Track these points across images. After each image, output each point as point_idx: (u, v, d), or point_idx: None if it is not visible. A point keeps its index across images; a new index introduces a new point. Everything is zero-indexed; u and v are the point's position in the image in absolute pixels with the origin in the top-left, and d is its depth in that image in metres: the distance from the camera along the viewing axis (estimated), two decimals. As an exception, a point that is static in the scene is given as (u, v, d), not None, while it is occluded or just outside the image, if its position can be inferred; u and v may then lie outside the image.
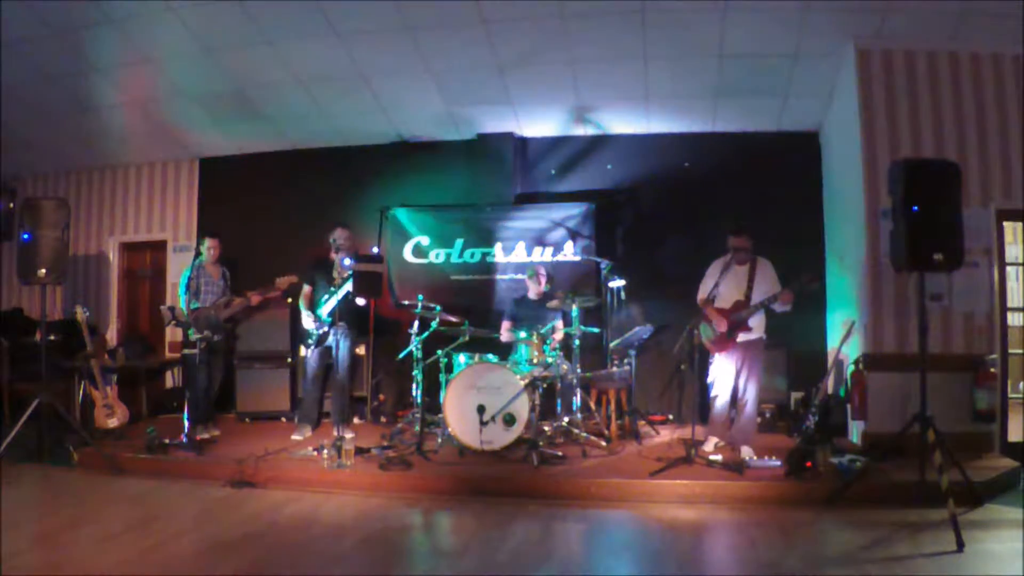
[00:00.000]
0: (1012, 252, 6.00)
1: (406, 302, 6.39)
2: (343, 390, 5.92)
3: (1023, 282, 6.76)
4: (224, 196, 7.92)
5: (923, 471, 4.09)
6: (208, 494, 4.56)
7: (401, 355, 6.19)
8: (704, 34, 5.62)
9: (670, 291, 6.43)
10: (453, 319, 5.80)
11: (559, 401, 5.69)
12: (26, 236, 5.32)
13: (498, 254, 7.12)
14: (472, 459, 5.10)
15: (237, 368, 6.84)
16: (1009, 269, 5.65)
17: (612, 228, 7.11)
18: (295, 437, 5.78)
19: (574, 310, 5.64)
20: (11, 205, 8.25)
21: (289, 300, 6.79)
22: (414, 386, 5.92)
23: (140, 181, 8.25)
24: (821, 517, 4.06)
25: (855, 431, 5.61)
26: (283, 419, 6.73)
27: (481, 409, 5.11)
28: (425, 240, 7.25)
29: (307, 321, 5.86)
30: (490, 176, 7.23)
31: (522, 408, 5.14)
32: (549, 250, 7.03)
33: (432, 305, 5.73)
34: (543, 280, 6.26)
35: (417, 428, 5.47)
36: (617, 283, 6.45)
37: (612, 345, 6.20)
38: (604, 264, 6.44)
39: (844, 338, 5.35)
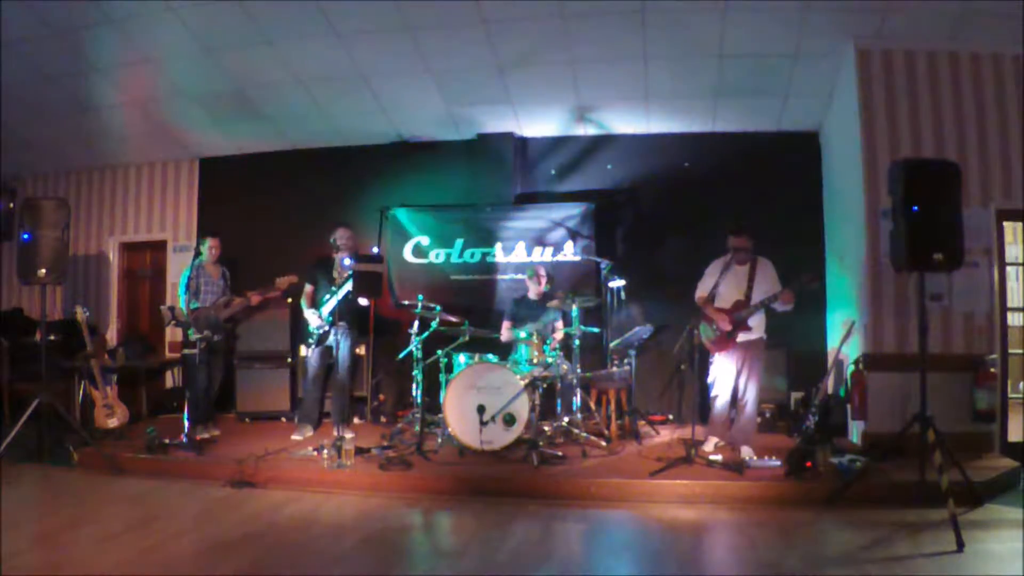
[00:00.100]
0: (1012, 252, 6.00)
1: (406, 302, 6.40)
2: (343, 390, 5.92)
3: (1023, 282, 6.75)
4: (224, 196, 7.92)
5: (923, 471, 4.09)
6: (208, 494, 4.56)
7: (401, 355, 6.19)
8: (704, 34, 5.62)
9: (670, 291, 6.42)
10: (453, 319, 5.80)
11: (559, 401, 5.69)
12: (26, 236, 5.32)
13: (498, 254, 7.12)
14: (472, 459, 5.10)
15: (237, 368, 6.83)
16: (1009, 269, 5.65)
17: (612, 228, 7.11)
18: (295, 437, 5.78)
19: (574, 310, 5.64)
20: (11, 205, 8.24)
21: (289, 300, 6.80)
22: (414, 386, 5.93)
23: (140, 181, 8.25)
24: (821, 517, 4.06)
25: (855, 431, 5.61)
26: (283, 419, 6.73)
27: (481, 409, 5.11)
28: (425, 240, 7.25)
29: (312, 319, 5.86)
30: (490, 176, 7.24)
31: (522, 408, 5.14)
32: (549, 250, 7.03)
33: (432, 305, 5.73)
34: (543, 280, 6.26)
35: (417, 428, 5.47)
36: (617, 283, 6.45)
37: (612, 345, 6.20)
38: (604, 264, 6.44)
39: (844, 338, 5.36)
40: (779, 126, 6.82)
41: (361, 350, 6.80)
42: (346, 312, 5.85)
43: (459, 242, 7.18)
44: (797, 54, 5.78)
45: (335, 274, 5.92)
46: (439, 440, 5.41)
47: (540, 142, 7.40)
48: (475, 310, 6.72)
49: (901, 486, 4.30)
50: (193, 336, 5.45)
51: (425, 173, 7.46)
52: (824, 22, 5.38)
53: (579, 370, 5.79)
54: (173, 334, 7.68)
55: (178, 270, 7.26)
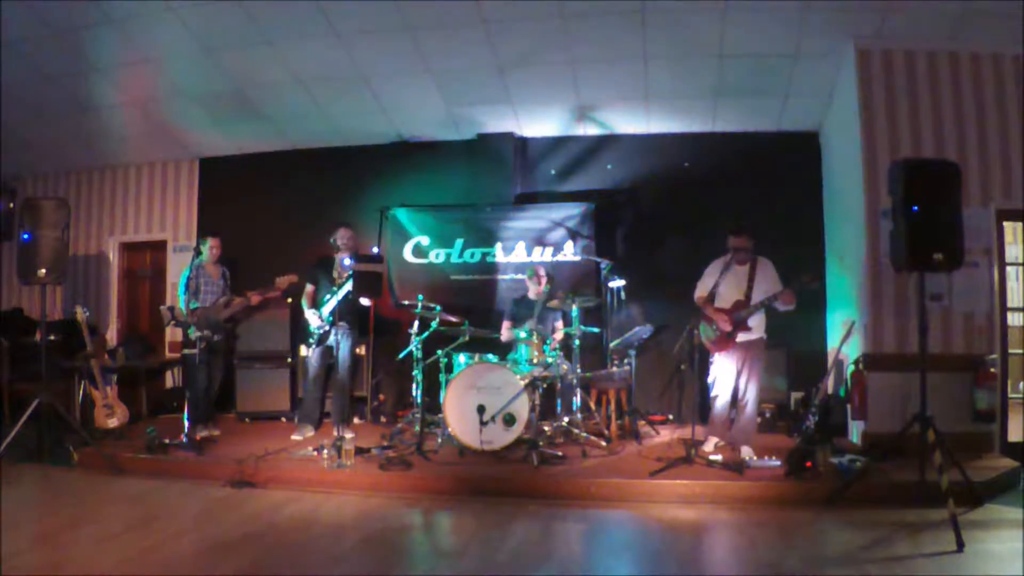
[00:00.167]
0: (1012, 252, 6.00)
1: (406, 302, 6.39)
2: (344, 390, 5.92)
3: (1023, 282, 6.75)
4: (224, 196, 7.92)
5: (923, 471, 4.09)
6: (208, 494, 4.56)
7: (401, 355, 6.19)
8: (704, 34, 5.62)
9: (670, 291, 6.42)
10: (453, 319, 5.80)
11: (559, 401, 5.69)
12: (26, 236, 5.32)
13: (498, 254, 7.12)
14: (472, 459, 5.10)
15: (237, 368, 6.83)
16: (1009, 269, 5.65)
17: (612, 228, 7.11)
18: (295, 437, 5.78)
19: (574, 310, 5.64)
20: (11, 205, 8.25)
21: (289, 300, 6.80)
22: (414, 386, 5.93)
23: (140, 181, 8.25)
24: (821, 517, 4.06)
25: (855, 431, 5.61)
26: (283, 419, 6.73)
27: (481, 409, 5.11)
28: (425, 240, 7.25)
29: (312, 319, 5.86)
30: (490, 176, 7.23)
31: (522, 408, 5.14)
32: (549, 250, 7.03)
33: (432, 305, 5.73)
34: (543, 280, 6.26)
35: (417, 428, 5.47)
36: (617, 283, 6.45)
37: (612, 345, 6.20)
38: (604, 264, 6.44)
39: (844, 338, 5.36)
40: (779, 126, 6.82)
41: (361, 350, 6.80)
42: (347, 312, 5.85)
43: (459, 242, 7.18)
44: (797, 54, 5.78)
45: (335, 274, 5.92)
46: (439, 440, 5.42)
47: (540, 142, 7.40)
48: (475, 310, 6.72)
49: (901, 486, 4.30)
50: (193, 336, 5.45)
51: (425, 173, 7.46)
52: (824, 22, 5.38)
53: (579, 370, 5.79)
54: (173, 334, 7.67)
55: (178, 270, 7.26)
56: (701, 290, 5.20)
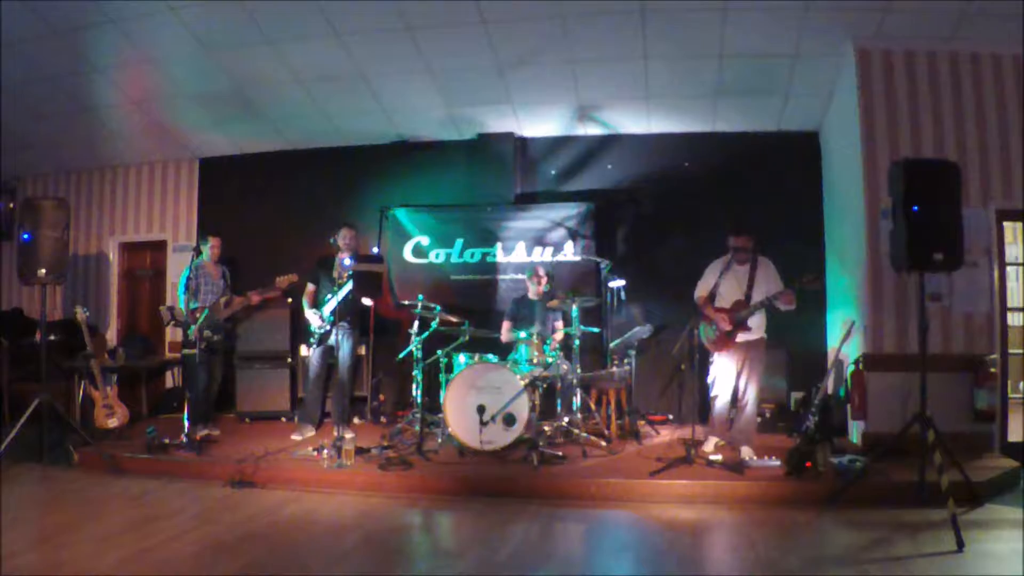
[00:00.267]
0: (1012, 252, 6.01)
1: (406, 302, 6.39)
2: (344, 390, 5.92)
3: (1023, 282, 6.75)
4: (224, 196, 7.92)
5: (923, 471, 4.08)
6: (208, 494, 4.56)
7: (401, 355, 6.19)
8: (704, 34, 5.61)
9: (670, 291, 6.43)
10: (453, 319, 5.80)
11: (559, 401, 5.69)
12: (26, 236, 5.33)
13: (498, 254, 7.12)
14: (472, 459, 5.10)
15: (237, 368, 6.83)
16: (1009, 269, 5.65)
17: (612, 228, 7.11)
18: (295, 437, 5.78)
19: (574, 310, 5.64)
20: (11, 205, 8.26)
21: (290, 300, 6.80)
22: (414, 386, 5.93)
23: (140, 181, 8.25)
24: (821, 517, 4.06)
25: (855, 431, 5.61)
26: (283, 419, 6.72)
27: (481, 409, 5.11)
28: (425, 240, 7.25)
29: (313, 319, 5.86)
30: (490, 176, 7.24)
31: (522, 408, 5.13)
32: (549, 250, 7.04)
33: (432, 305, 5.73)
34: (543, 280, 6.26)
35: (417, 428, 5.46)
36: (617, 283, 6.45)
37: (612, 345, 6.20)
38: (604, 264, 6.44)
39: (844, 338, 5.35)
40: (779, 126, 6.83)
41: (361, 350, 6.80)
42: (348, 312, 5.85)
43: (459, 242, 7.18)
44: (797, 54, 5.78)
45: (334, 274, 5.92)
46: (439, 440, 5.42)
47: (540, 142, 7.40)
48: (475, 310, 6.73)
49: (901, 486, 4.30)
50: (193, 336, 5.45)
51: (425, 173, 7.46)
52: (824, 22, 5.38)
53: (579, 370, 5.79)
54: (173, 334, 7.67)
55: (178, 270, 7.25)
56: (701, 290, 5.20)
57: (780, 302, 4.87)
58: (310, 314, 5.89)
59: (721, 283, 5.05)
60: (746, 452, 4.96)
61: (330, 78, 6.51)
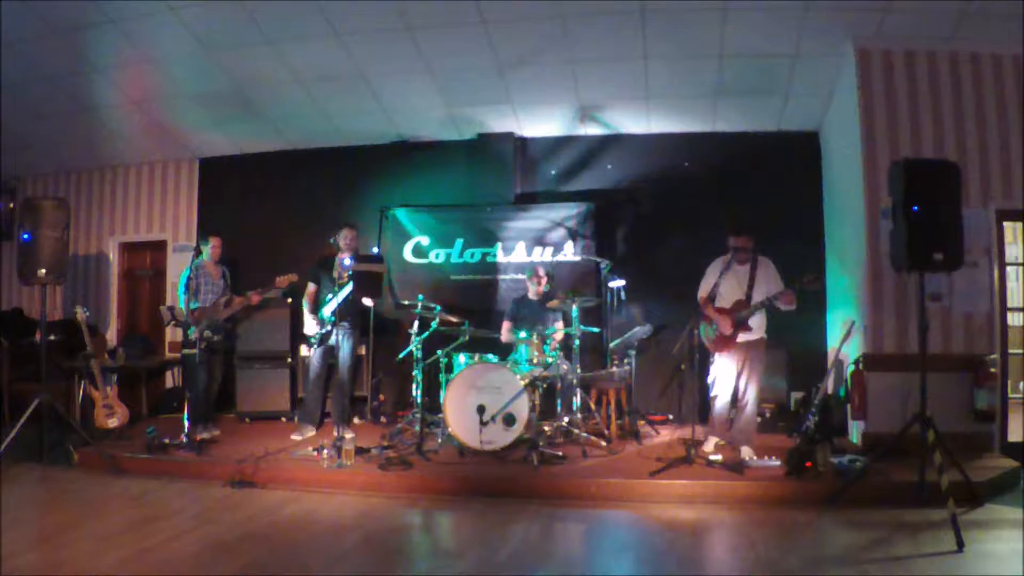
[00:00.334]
0: (1012, 252, 6.01)
1: (406, 302, 6.39)
2: (345, 390, 5.92)
3: (1023, 282, 6.76)
4: (224, 196, 7.92)
5: (923, 471, 4.08)
6: (208, 494, 4.56)
7: (401, 355, 6.19)
8: (704, 34, 5.61)
9: (670, 291, 6.43)
10: (453, 319, 5.80)
11: (559, 401, 5.68)
12: (26, 236, 5.33)
13: (498, 254, 7.12)
14: (472, 459, 5.10)
15: (237, 368, 6.83)
16: (1009, 269, 5.65)
17: (612, 228, 7.12)
18: (295, 437, 5.78)
19: (574, 310, 5.64)
20: (11, 205, 8.25)
21: (289, 300, 6.80)
22: (414, 386, 5.93)
23: (140, 181, 8.25)
24: (821, 517, 4.06)
25: (855, 431, 5.61)
26: (283, 419, 6.72)
27: (481, 409, 5.11)
28: (425, 240, 7.25)
29: (309, 325, 5.87)
30: (490, 176, 7.24)
31: (522, 408, 5.13)
32: (549, 250, 7.04)
33: (432, 305, 5.73)
34: (543, 280, 6.26)
35: (417, 428, 5.46)
36: (617, 283, 6.45)
37: (612, 345, 6.20)
38: (604, 264, 6.44)
39: (844, 338, 5.35)
40: (779, 126, 6.83)
41: (361, 350, 6.80)
42: (348, 312, 5.85)
43: (459, 242, 7.19)
44: (797, 54, 5.78)
45: (334, 274, 5.92)
46: (439, 440, 5.42)
47: (540, 142, 7.40)
48: (475, 310, 6.72)
49: (901, 486, 4.29)
50: (193, 336, 5.45)
51: (425, 173, 7.46)
52: (824, 22, 5.38)
53: (579, 370, 5.79)
54: (173, 334, 7.67)
55: (178, 270, 7.24)
56: (704, 290, 5.19)
57: (781, 302, 4.87)
58: (308, 319, 5.90)
59: (721, 283, 5.05)
60: (746, 452, 4.96)
61: (330, 78, 6.51)
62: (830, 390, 5.79)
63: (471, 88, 6.58)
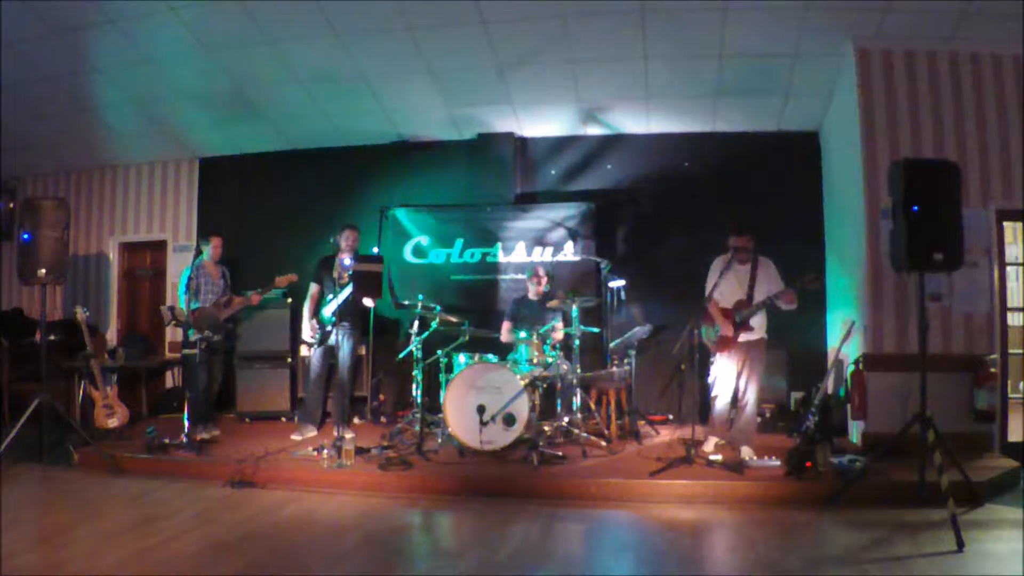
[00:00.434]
0: (1012, 252, 6.01)
1: (406, 302, 6.39)
2: (345, 390, 5.92)
3: (1023, 282, 6.76)
4: (224, 196, 7.92)
5: (923, 471, 4.08)
6: (208, 494, 4.56)
7: (401, 355, 6.19)
8: (704, 34, 5.62)
9: (670, 291, 6.43)
10: (453, 319, 5.80)
11: (559, 401, 5.69)
12: (26, 236, 5.32)
13: (498, 254, 7.12)
14: (472, 459, 5.10)
15: (237, 368, 6.83)
16: (1009, 269, 5.65)
17: (612, 228, 7.12)
18: (295, 437, 5.78)
19: (574, 310, 5.64)
20: (11, 205, 8.25)
21: (290, 300, 6.81)
22: (414, 386, 5.93)
23: (140, 181, 8.25)
24: (821, 517, 4.06)
25: (855, 431, 5.61)
26: (283, 419, 6.73)
27: (481, 409, 5.11)
28: (425, 240, 7.25)
29: (306, 330, 5.88)
30: (490, 176, 7.24)
31: (522, 408, 5.13)
32: (549, 250, 7.04)
33: (432, 305, 5.73)
34: (543, 280, 6.26)
35: (417, 428, 5.46)
36: (617, 283, 6.45)
37: (612, 345, 6.20)
38: (604, 264, 6.44)
39: (844, 338, 5.35)
40: (779, 126, 6.83)
41: (361, 350, 6.80)
42: (348, 312, 5.85)
43: (459, 242, 7.19)
44: (797, 54, 5.78)
45: (334, 274, 5.92)
46: (439, 440, 5.42)
47: (540, 142, 7.40)
48: (475, 310, 6.73)
49: (901, 486, 4.29)
50: (193, 336, 5.45)
51: (425, 173, 7.46)
52: (824, 22, 5.38)
53: (579, 370, 5.79)
54: (173, 334, 7.68)
55: (178, 270, 7.26)
56: (710, 289, 5.17)
57: (782, 301, 4.87)
58: (306, 323, 5.90)
59: (722, 283, 5.05)
60: (746, 452, 4.96)
61: (330, 78, 6.51)
62: (830, 390, 5.79)
63: (471, 88, 6.58)
